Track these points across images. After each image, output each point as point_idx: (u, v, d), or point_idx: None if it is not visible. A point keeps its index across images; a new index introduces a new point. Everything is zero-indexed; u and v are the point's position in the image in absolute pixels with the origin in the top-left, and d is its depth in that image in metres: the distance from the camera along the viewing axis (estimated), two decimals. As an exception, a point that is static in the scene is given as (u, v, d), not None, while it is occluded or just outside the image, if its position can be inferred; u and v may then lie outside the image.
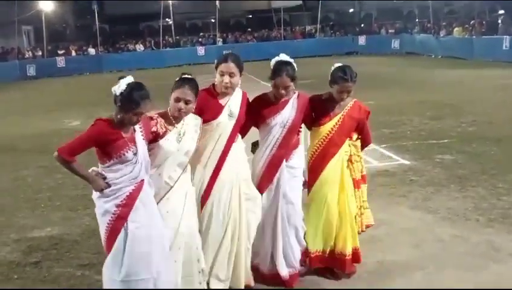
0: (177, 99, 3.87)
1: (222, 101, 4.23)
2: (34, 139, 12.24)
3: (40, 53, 33.03)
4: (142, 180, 3.69)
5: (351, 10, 44.64)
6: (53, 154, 3.55)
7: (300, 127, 4.55)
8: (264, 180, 4.41)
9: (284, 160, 4.39)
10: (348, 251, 4.51)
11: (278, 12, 36.98)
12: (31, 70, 30.41)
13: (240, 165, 4.31)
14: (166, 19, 37.25)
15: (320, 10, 35.70)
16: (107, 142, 3.56)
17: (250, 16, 47.92)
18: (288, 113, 4.37)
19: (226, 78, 4.13)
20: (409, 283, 4.49)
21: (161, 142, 3.85)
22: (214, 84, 4.26)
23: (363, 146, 4.70)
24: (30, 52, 33.50)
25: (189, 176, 4.08)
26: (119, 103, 3.54)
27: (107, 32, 43.19)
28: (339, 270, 4.59)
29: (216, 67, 4.19)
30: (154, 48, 34.84)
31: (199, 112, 4.09)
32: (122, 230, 3.60)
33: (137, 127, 3.71)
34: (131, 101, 3.51)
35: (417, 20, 34.21)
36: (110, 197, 3.61)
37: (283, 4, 37.29)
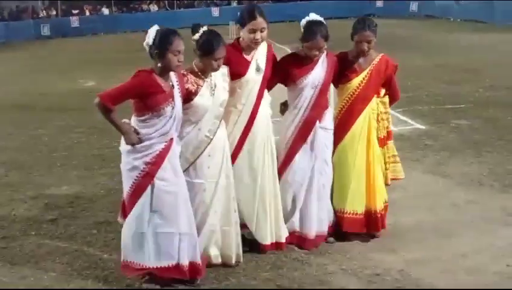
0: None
1: (248, 57, 4.19)
2: (49, 98, 12.32)
3: (54, 12, 32.92)
4: (172, 139, 3.72)
5: (369, -29, 43.66)
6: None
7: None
8: (298, 142, 4.39)
9: (318, 121, 4.38)
10: (380, 207, 4.53)
11: (295, -27, 36.28)
12: (45, 30, 30.34)
13: (269, 120, 4.35)
14: (181, -21, 36.77)
15: (338, -29, 34.97)
16: (147, 94, 3.59)
17: (267, -24, 47.09)
18: (318, 73, 4.33)
19: (258, 35, 4.07)
20: (422, 246, 4.51)
21: (196, 99, 3.89)
22: (238, 39, 4.22)
23: (391, 102, 4.65)
24: (44, 11, 33.38)
25: (225, 129, 4.13)
26: (155, 49, 3.60)
27: (121, -9, 42.76)
28: (373, 232, 4.60)
29: (243, 25, 4.10)
30: (168, 8, 34.54)
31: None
32: (149, 186, 3.65)
33: (174, 82, 3.75)
34: (165, 42, 3.58)
35: (436, -19, 33.44)
36: (141, 153, 3.64)
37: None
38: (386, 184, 4.66)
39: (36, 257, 4.60)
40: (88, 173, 6.81)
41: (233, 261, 4.20)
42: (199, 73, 3.94)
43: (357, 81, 4.43)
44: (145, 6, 34.45)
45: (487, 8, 25.38)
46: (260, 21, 4.06)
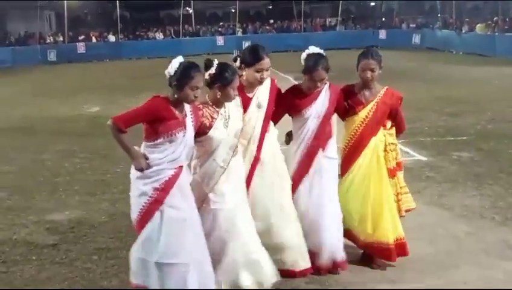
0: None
1: (250, 94, 4.31)
2: (53, 123, 12.40)
3: (61, 38, 33.33)
4: (181, 166, 3.76)
5: (373, 3, 44.24)
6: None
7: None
8: (300, 171, 4.47)
9: (321, 150, 4.46)
10: (390, 240, 4.52)
11: (299, 4, 36.77)
12: (52, 56, 30.68)
13: (276, 152, 4.44)
14: (187, 8, 37.27)
15: (341, 3, 35.47)
16: (160, 119, 3.64)
17: (271, 7, 47.72)
18: (321, 103, 4.44)
19: (264, 74, 4.21)
20: (422, 278, 4.49)
21: (211, 133, 3.96)
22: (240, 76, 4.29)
23: (397, 133, 4.75)
24: (51, 37, 33.79)
25: (240, 156, 4.21)
26: (175, 80, 3.67)
27: (127, 19, 43.33)
28: (382, 259, 4.62)
29: (248, 65, 4.21)
30: (173, 36, 34.91)
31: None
32: (158, 213, 3.67)
33: (188, 112, 3.80)
34: (186, 76, 3.64)
35: (439, 15, 33.84)
36: (150, 179, 3.67)
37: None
38: (401, 216, 4.69)
39: (36, 282, 4.60)
40: (90, 199, 6.82)
41: (268, 286, 4.15)
42: (213, 106, 4.02)
43: (363, 114, 4.53)
44: (151, 34, 34.84)
45: (488, 42, 25.67)
46: (267, 61, 4.20)
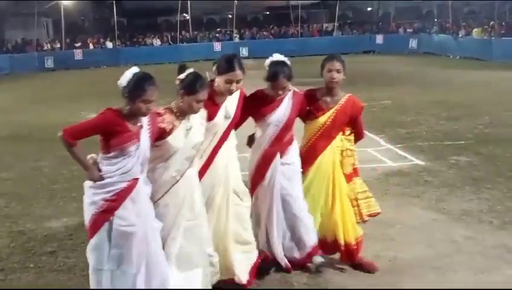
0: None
1: (219, 102, 4.25)
2: (51, 129, 12.32)
3: (58, 45, 33.32)
4: (136, 179, 3.67)
5: (369, 9, 44.41)
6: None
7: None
8: (256, 177, 4.52)
9: (278, 157, 4.47)
10: (342, 242, 4.57)
11: (296, 10, 36.88)
12: (49, 62, 30.67)
13: (230, 162, 4.34)
14: (184, 14, 37.31)
15: (338, 8, 35.59)
16: (112, 133, 3.57)
17: (268, 13, 47.89)
18: (283, 111, 4.44)
19: (234, 86, 4.15)
20: (421, 282, 4.49)
21: (169, 139, 3.86)
22: (212, 81, 4.22)
23: (356, 140, 4.75)
24: (48, 44, 33.80)
25: (196, 170, 4.11)
26: (127, 93, 3.58)
27: (124, 26, 43.45)
28: (347, 261, 4.67)
29: (220, 73, 4.15)
30: (171, 42, 34.93)
31: None
32: (106, 223, 3.60)
33: (145, 124, 3.71)
34: (138, 88, 3.54)
35: (436, 20, 33.96)
36: (101, 190, 3.60)
37: (301, 2, 37.23)
38: (363, 221, 4.70)
39: (34, 290, 4.58)
40: (88, 205, 6.79)
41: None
42: (177, 114, 3.92)
43: (322, 120, 4.55)
44: (148, 41, 34.86)
45: (485, 46, 25.73)
46: (238, 73, 4.12)
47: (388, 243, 5.25)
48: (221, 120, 4.24)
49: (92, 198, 3.62)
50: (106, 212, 3.59)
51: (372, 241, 5.22)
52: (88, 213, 3.65)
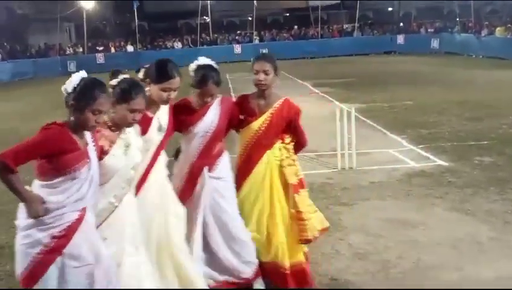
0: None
1: (150, 112, 3.80)
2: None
3: (80, 49, 33.82)
4: (85, 207, 3.10)
5: (390, 9, 44.16)
6: None
7: (225, 134, 4.25)
8: (184, 192, 4.04)
9: (207, 170, 4.05)
10: (286, 264, 4.12)
11: (316, 11, 36.84)
12: (72, 66, 31.03)
13: (164, 179, 3.94)
14: (204, 17, 37.55)
15: (358, 8, 35.44)
16: (60, 152, 2.99)
17: (288, 14, 47.90)
18: (210, 119, 4.04)
19: (172, 94, 3.78)
20: (445, 284, 4.44)
21: (106, 159, 3.31)
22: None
23: (297, 149, 4.35)
24: (71, 48, 34.30)
25: (133, 194, 3.60)
26: (73, 100, 3.06)
27: (145, 29, 43.81)
28: (277, 284, 4.18)
29: (155, 81, 3.75)
30: (191, 45, 35.16)
31: None
32: (54, 265, 2.99)
33: (89, 138, 3.18)
34: (87, 96, 3.03)
35: (458, 19, 33.61)
36: (47, 225, 2.98)
37: (321, 2, 37.17)
38: (314, 238, 4.20)
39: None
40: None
41: None
42: (113, 128, 3.40)
43: (256, 125, 4.14)
44: (168, 44, 35.14)
45: (509, 45, 25.41)
46: (177, 80, 3.77)
47: (411, 245, 5.20)
48: (155, 134, 3.80)
49: (35, 236, 2.96)
50: (54, 252, 2.98)
51: (395, 242, 5.18)
52: (26, 257, 2.98)
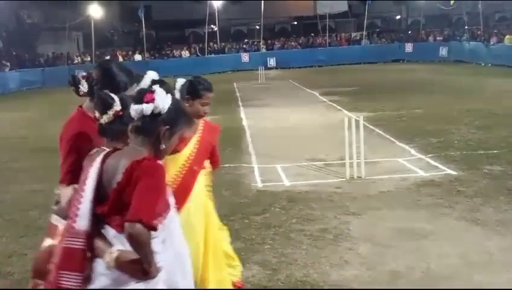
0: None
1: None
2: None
3: (88, 58, 33.96)
4: None
5: (398, 17, 44.16)
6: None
7: None
8: None
9: None
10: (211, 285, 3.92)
11: (324, 19, 36.90)
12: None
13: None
14: (212, 26, 37.68)
15: (366, 17, 35.46)
16: None
17: (295, 23, 47.99)
18: None
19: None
20: (455, 295, 4.40)
21: None
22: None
23: (213, 169, 4.22)
24: (79, 57, 34.49)
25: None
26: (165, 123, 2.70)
27: (153, 38, 44.01)
28: None
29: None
30: (199, 54, 35.28)
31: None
32: None
33: None
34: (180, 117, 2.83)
35: (466, 27, 33.56)
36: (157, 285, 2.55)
37: (329, 11, 37.24)
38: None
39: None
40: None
41: None
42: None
43: (187, 152, 3.87)
44: (176, 53, 35.29)
45: (518, 53, 25.30)
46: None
47: (421, 254, 5.15)
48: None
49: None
50: None
51: (404, 252, 5.14)
52: None
